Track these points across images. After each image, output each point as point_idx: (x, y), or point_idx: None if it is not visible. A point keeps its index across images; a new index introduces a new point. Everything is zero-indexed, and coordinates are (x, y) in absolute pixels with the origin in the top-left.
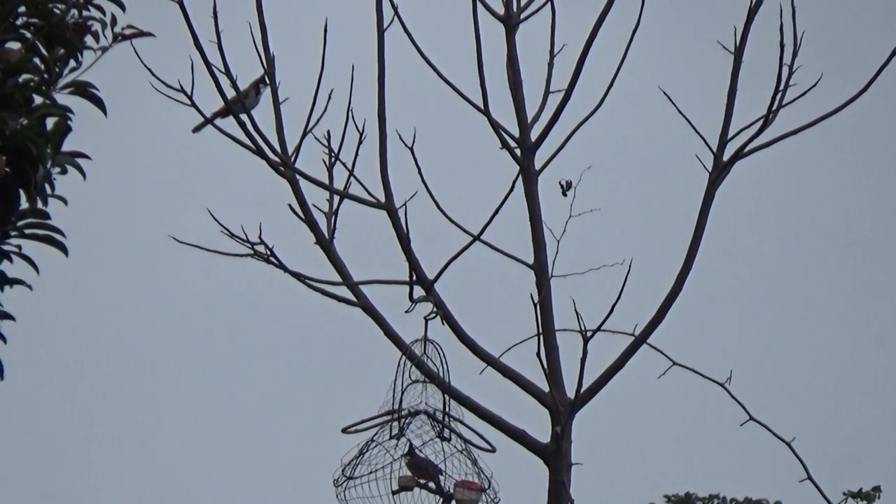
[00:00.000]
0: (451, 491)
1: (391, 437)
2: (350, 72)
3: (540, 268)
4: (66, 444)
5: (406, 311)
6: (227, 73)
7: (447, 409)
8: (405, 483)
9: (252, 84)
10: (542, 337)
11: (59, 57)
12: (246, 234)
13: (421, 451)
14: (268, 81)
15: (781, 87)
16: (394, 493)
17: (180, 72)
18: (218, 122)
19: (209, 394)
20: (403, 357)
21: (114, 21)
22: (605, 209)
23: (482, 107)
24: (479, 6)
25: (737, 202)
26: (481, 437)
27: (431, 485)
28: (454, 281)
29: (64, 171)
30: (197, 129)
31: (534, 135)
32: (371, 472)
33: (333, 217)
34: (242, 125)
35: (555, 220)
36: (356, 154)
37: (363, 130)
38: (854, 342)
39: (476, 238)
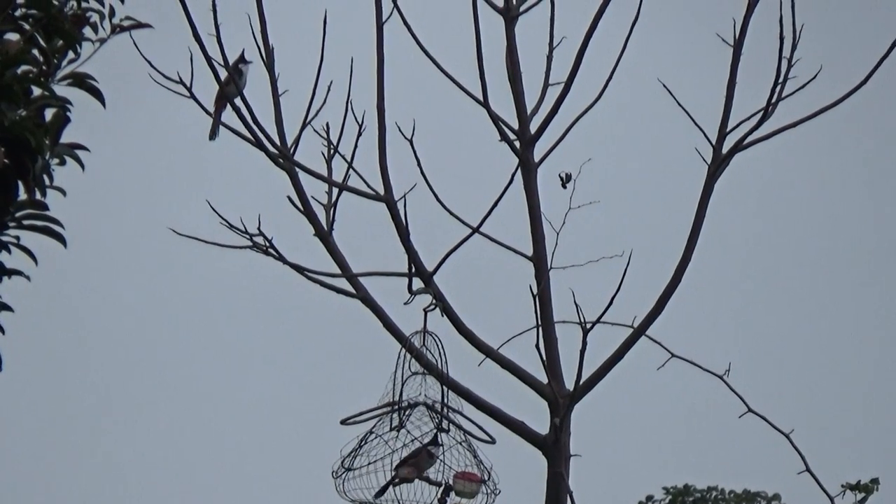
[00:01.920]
0: (451, 482)
1: (391, 429)
2: (349, 64)
3: (539, 260)
4: (65, 435)
5: (405, 303)
6: (227, 65)
7: (446, 401)
8: (405, 475)
9: (233, 66)
10: (541, 329)
11: (57, 48)
12: (245, 226)
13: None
14: (247, 59)
15: (781, 79)
16: (393, 484)
17: (179, 63)
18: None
19: (208, 385)
20: (403, 349)
21: (112, 12)
22: (605, 201)
23: (481, 99)
24: None
25: (736, 195)
26: (481, 428)
27: (431, 476)
28: (453, 273)
29: (63, 163)
30: (213, 136)
31: (533, 127)
32: (370, 464)
33: (332, 209)
34: (242, 118)
35: (554, 213)
36: (355, 146)
37: (362, 123)
38: (852, 335)
39: (475, 230)
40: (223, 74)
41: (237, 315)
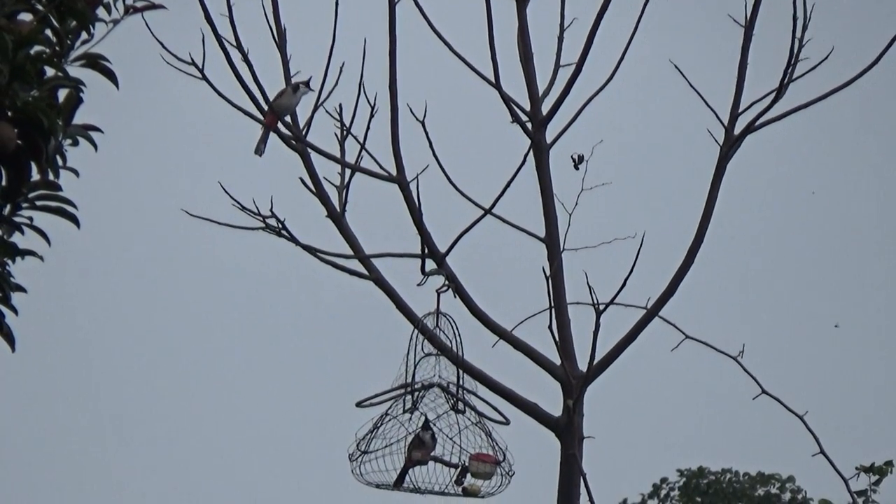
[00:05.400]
0: (467, 463)
1: (405, 411)
2: (362, 45)
3: (551, 241)
4: (77, 414)
5: (418, 285)
6: (239, 46)
7: (461, 382)
8: (420, 457)
9: (293, 85)
10: (554, 310)
11: (71, 29)
12: (258, 208)
13: (429, 429)
14: (311, 87)
15: (793, 60)
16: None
17: (192, 44)
18: (230, 95)
19: (221, 367)
20: (416, 330)
21: None
22: (617, 183)
23: (493, 80)
24: None
25: (748, 175)
26: (495, 409)
27: (447, 458)
28: (466, 254)
29: (75, 143)
30: (258, 151)
31: (545, 108)
32: (386, 446)
33: (345, 190)
34: (254, 99)
35: (566, 194)
36: (367, 127)
37: (375, 104)
38: (867, 316)
39: (488, 211)
40: (234, 54)
41: (250, 296)
